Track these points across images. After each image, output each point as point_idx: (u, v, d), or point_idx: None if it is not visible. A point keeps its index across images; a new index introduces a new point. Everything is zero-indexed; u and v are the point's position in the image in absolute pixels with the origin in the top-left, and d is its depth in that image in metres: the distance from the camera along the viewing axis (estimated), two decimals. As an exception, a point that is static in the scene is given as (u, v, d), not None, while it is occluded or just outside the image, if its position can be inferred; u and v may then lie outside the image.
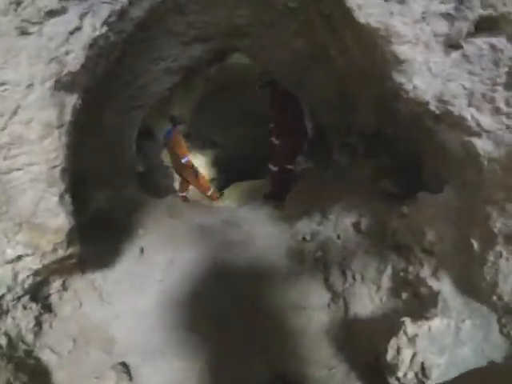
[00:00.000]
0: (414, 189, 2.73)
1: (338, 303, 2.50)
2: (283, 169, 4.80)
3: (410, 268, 2.16)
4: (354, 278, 2.52)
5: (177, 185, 6.13)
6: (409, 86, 1.77)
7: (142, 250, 3.33)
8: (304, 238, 3.19)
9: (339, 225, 2.91)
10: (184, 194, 5.83)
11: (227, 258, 3.33)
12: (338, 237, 2.83)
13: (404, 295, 2.14)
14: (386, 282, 2.30)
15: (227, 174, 7.84)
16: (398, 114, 2.29)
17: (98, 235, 3.04)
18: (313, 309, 2.58)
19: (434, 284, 1.99)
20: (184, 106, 6.14)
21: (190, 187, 6.09)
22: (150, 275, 3.09)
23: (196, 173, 5.75)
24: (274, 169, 4.89)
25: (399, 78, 1.76)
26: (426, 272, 2.08)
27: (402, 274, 2.20)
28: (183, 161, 5.59)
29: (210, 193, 5.99)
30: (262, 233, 3.82)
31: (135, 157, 4.44)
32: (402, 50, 1.71)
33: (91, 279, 2.75)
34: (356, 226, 2.77)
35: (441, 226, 2.05)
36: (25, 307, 2.24)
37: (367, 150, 3.33)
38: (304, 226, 3.38)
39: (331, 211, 3.10)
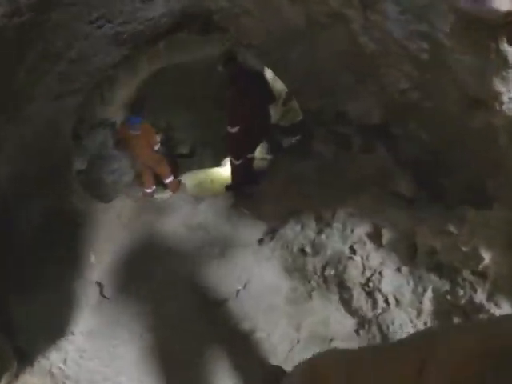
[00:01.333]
0: (430, 194, 2.57)
1: (371, 330, 2.23)
2: (243, 159, 4.28)
3: (460, 291, 1.96)
4: (386, 301, 2.25)
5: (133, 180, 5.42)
6: (505, 97, 1.44)
7: (101, 292, 2.56)
8: (303, 251, 2.80)
9: (349, 235, 2.59)
10: (151, 189, 5.11)
11: (214, 297, 2.77)
12: (353, 251, 2.52)
13: (456, 319, 1.96)
14: (427, 305, 2.08)
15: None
16: (442, 118, 1.99)
17: (31, 281, 2.24)
18: (339, 338, 2.27)
19: (493, 309, 1.83)
20: (128, 90, 5.06)
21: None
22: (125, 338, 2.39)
23: (163, 160, 5.28)
24: (234, 160, 4.34)
25: (499, 86, 1.41)
26: (480, 296, 1.90)
27: (449, 297, 2.00)
28: (156, 148, 5.12)
29: (169, 180, 5.20)
30: (239, 241, 3.32)
31: (73, 153, 3.42)
32: None
33: (45, 367, 1.96)
34: (374, 237, 2.48)
35: (497, 248, 1.87)
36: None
37: (366, 145, 3.02)
38: (295, 233, 2.99)
39: (333, 217, 2.75)
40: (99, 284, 2.60)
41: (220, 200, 4.24)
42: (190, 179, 5.96)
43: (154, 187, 5.15)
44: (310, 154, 3.71)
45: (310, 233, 2.85)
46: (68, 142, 3.20)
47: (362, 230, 2.55)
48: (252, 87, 3.98)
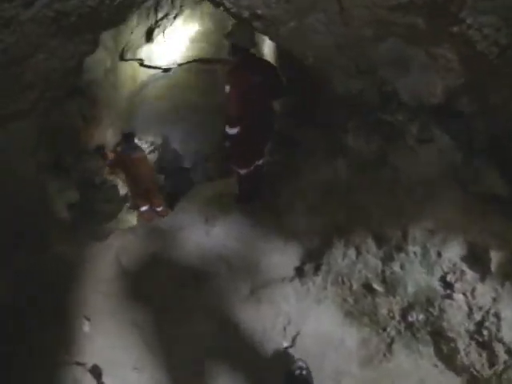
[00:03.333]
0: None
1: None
2: (250, 167, 3.44)
3: None
4: (510, 353, 1.53)
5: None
6: None
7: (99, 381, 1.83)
8: (369, 287, 2.05)
9: (436, 262, 1.85)
10: (147, 206, 5.03)
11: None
12: (447, 284, 1.77)
13: None
14: None
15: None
16: None
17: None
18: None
19: None
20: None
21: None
22: None
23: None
24: (237, 170, 3.58)
25: None
26: None
27: None
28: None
29: (161, 209, 5.10)
30: (271, 272, 2.59)
31: (47, 195, 2.72)
32: None
33: None
34: (475, 262, 1.74)
35: None
36: None
37: (423, 133, 2.29)
38: (350, 261, 2.24)
39: (406, 237, 2.01)
40: (95, 370, 1.88)
41: (236, 219, 3.50)
42: (196, 196, 5.26)
43: (148, 205, 5.00)
44: (341, 151, 2.98)
45: (374, 260, 2.11)
46: (34, 184, 2.50)
47: (454, 252, 1.81)
48: (259, 75, 3.22)
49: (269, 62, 3.40)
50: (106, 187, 4.70)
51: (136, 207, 5.17)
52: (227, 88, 3.13)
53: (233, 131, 3.19)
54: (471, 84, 1.97)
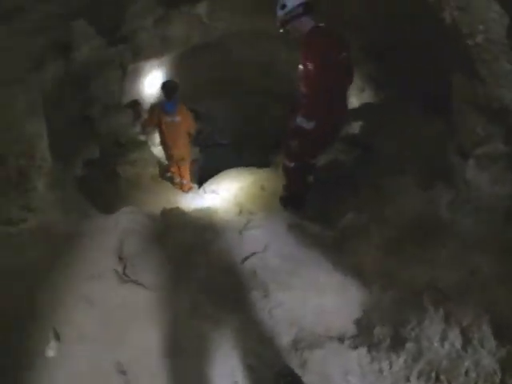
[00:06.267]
0: None
1: None
2: (302, 162, 2.82)
3: None
4: None
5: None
6: None
7: None
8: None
9: None
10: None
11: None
12: None
13: None
14: None
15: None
16: None
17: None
18: None
19: None
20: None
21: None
22: None
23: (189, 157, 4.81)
24: (287, 162, 2.88)
25: None
26: None
27: None
28: (192, 131, 4.58)
29: (186, 181, 4.83)
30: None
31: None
32: None
33: None
34: None
35: None
36: None
37: None
38: (454, 350, 1.48)
39: None
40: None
41: (279, 228, 2.75)
42: (230, 178, 4.57)
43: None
44: (445, 179, 2.18)
45: (489, 360, 1.35)
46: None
47: None
48: (344, 49, 2.48)
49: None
50: (132, 147, 4.06)
51: (166, 171, 4.85)
52: (308, 65, 2.40)
53: (309, 125, 2.48)
54: None
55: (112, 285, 1.77)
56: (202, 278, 2.03)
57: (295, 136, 2.62)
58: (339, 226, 2.44)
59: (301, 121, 2.48)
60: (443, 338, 1.52)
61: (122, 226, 2.26)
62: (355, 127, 3.37)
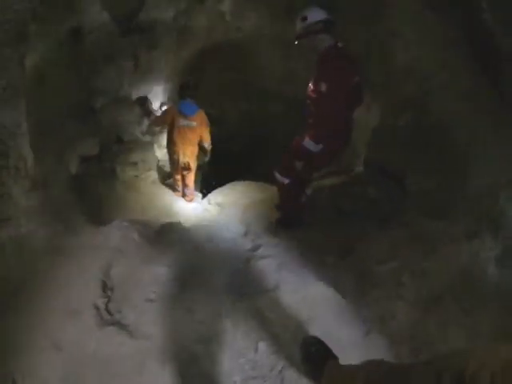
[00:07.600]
0: None
1: None
2: (295, 179, 2.60)
3: None
4: None
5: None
6: None
7: None
8: None
9: None
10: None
11: None
12: None
13: None
14: None
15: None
16: None
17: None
18: None
19: None
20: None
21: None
22: None
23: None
24: (279, 177, 2.64)
25: None
26: None
27: None
28: (206, 145, 4.26)
29: (191, 191, 4.44)
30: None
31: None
32: None
33: None
34: None
35: None
36: None
37: None
38: None
39: None
40: None
41: (289, 254, 2.43)
42: (238, 192, 4.22)
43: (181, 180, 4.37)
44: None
45: None
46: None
47: None
48: (357, 73, 2.40)
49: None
50: (135, 147, 3.72)
51: (167, 178, 4.53)
52: (322, 85, 2.22)
53: (317, 148, 2.32)
54: None
55: (88, 326, 1.43)
56: (199, 320, 1.69)
57: (301, 157, 2.45)
58: (363, 269, 2.10)
59: (308, 144, 2.36)
60: None
61: (112, 244, 1.93)
62: (383, 154, 3.05)
